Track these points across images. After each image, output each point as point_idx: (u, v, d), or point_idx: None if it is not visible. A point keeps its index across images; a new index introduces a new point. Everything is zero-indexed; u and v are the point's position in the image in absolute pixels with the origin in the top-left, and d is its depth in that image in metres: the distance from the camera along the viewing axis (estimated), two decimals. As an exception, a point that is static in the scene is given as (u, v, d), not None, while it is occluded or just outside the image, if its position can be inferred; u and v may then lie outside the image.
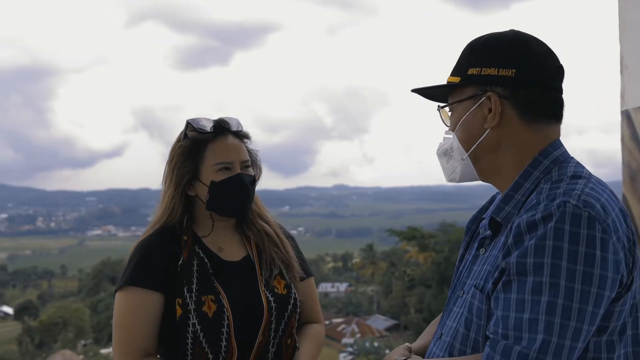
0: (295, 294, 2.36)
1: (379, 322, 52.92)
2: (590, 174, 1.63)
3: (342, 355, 45.29)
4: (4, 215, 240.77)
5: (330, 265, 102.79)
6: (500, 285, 1.52)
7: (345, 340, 48.41)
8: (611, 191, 1.60)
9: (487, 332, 1.51)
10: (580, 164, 1.67)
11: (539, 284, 1.44)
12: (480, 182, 1.78)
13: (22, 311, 61.33)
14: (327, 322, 56.01)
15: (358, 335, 47.77)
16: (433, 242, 49.69)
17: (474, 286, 1.64)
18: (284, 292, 2.33)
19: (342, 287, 78.52)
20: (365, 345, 41.89)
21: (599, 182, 1.60)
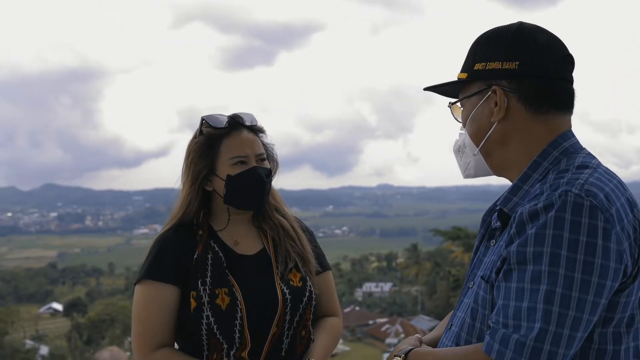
0: (310, 286, 2.38)
1: (423, 323, 52.63)
2: (599, 164, 1.61)
3: (385, 355, 45.17)
4: (54, 214, 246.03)
5: (375, 265, 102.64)
6: (501, 274, 1.52)
7: (389, 340, 48.32)
8: (619, 181, 1.58)
9: (489, 322, 1.51)
10: (591, 155, 1.65)
11: (538, 272, 1.43)
12: None
13: (71, 308, 62.47)
14: (371, 322, 56.36)
15: (402, 335, 47.58)
16: (478, 242, 49.14)
17: (481, 277, 1.64)
18: (299, 285, 2.35)
19: (386, 287, 78.38)
20: (409, 345, 41.65)
21: (606, 172, 1.58)
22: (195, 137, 2.40)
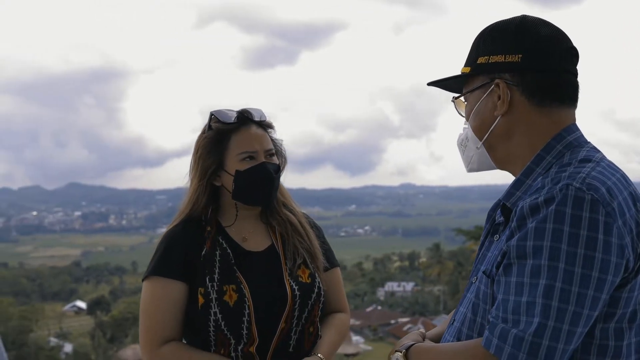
0: (319, 283, 2.37)
1: (446, 323, 52.30)
2: (602, 157, 1.59)
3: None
4: (78, 213, 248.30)
5: (397, 264, 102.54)
6: (501, 268, 1.51)
7: (411, 340, 48.04)
8: (622, 175, 1.56)
9: (489, 316, 1.49)
10: (595, 149, 1.63)
11: (538, 267, 1.42)
12: None
13: (95, 306, 63.03)
14: (393, 322, 56.23)
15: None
16: (501, 242, 48.75)
17: (483, 272, 1.62)
18: (308, 281, 2.35)
19: (409, 286, 78.17)
20: (431, 345, 41.44)
21: (609, 165, 1.56)
22: (203, 132, 2.39)
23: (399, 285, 78.89)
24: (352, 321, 56.45)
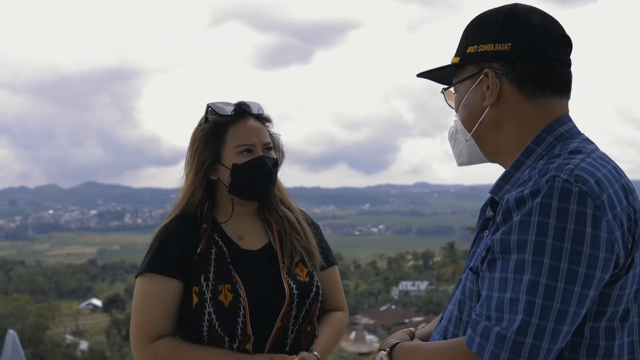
0: (317, 281, 2.33)
1: (460, 322, 52.02)
2: (594, 149, 1.53)
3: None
4: (94, 212, 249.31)
5: (411, 263, 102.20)
6: (485, 264, 1.45)
7: (425, 339, 47.89)
8: (614, 167, 1.50)
9: (473, 314, 1.44)
10: (588, 140, 1.57)
11: (522, 262, 1.36)
12: None
13: (110, 304, 63.28)
14: (407, 321, 56.08)
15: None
16: (516, 241, 48.44)
17: (470, 268, 1.58)
18: (306, 280, 2.31)
19: (423, 285, 77.91)
20: (445, 344, 41.30)
21: (601, 157, 1.50)
22: (200, 124, 2.34)
23: (413, 285, 78.62)
24: (366, 320, 56.46)
